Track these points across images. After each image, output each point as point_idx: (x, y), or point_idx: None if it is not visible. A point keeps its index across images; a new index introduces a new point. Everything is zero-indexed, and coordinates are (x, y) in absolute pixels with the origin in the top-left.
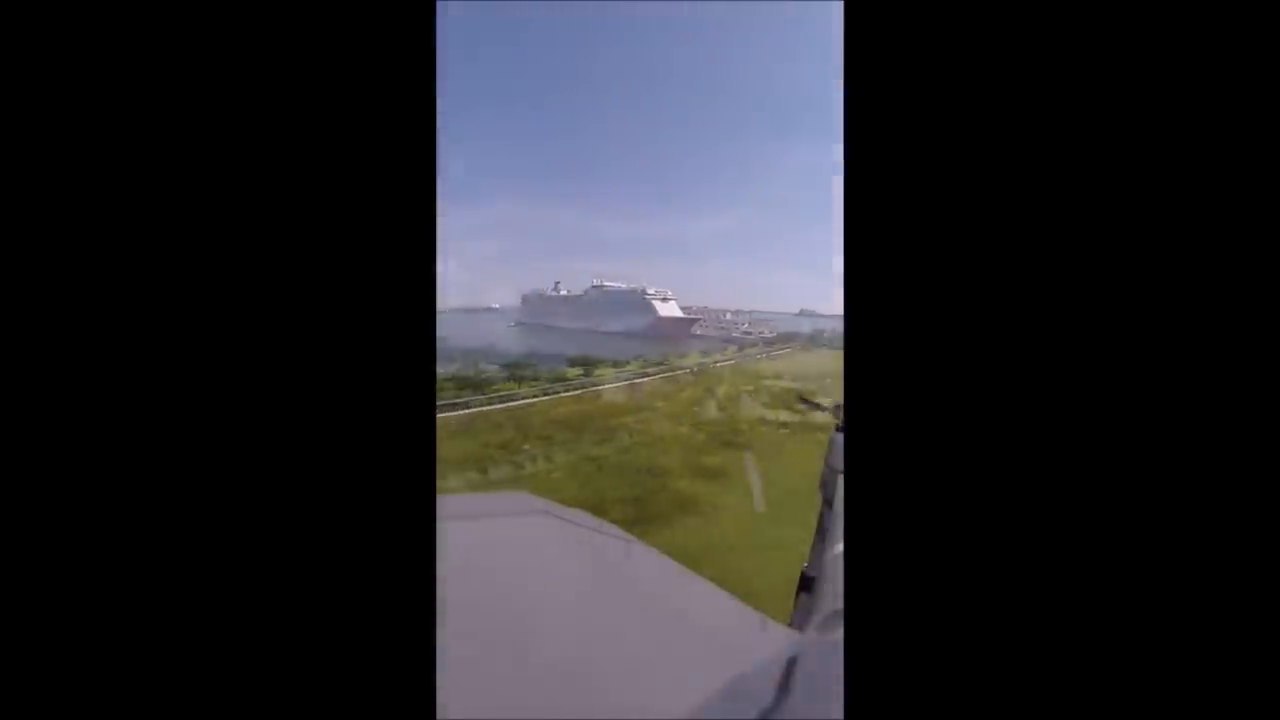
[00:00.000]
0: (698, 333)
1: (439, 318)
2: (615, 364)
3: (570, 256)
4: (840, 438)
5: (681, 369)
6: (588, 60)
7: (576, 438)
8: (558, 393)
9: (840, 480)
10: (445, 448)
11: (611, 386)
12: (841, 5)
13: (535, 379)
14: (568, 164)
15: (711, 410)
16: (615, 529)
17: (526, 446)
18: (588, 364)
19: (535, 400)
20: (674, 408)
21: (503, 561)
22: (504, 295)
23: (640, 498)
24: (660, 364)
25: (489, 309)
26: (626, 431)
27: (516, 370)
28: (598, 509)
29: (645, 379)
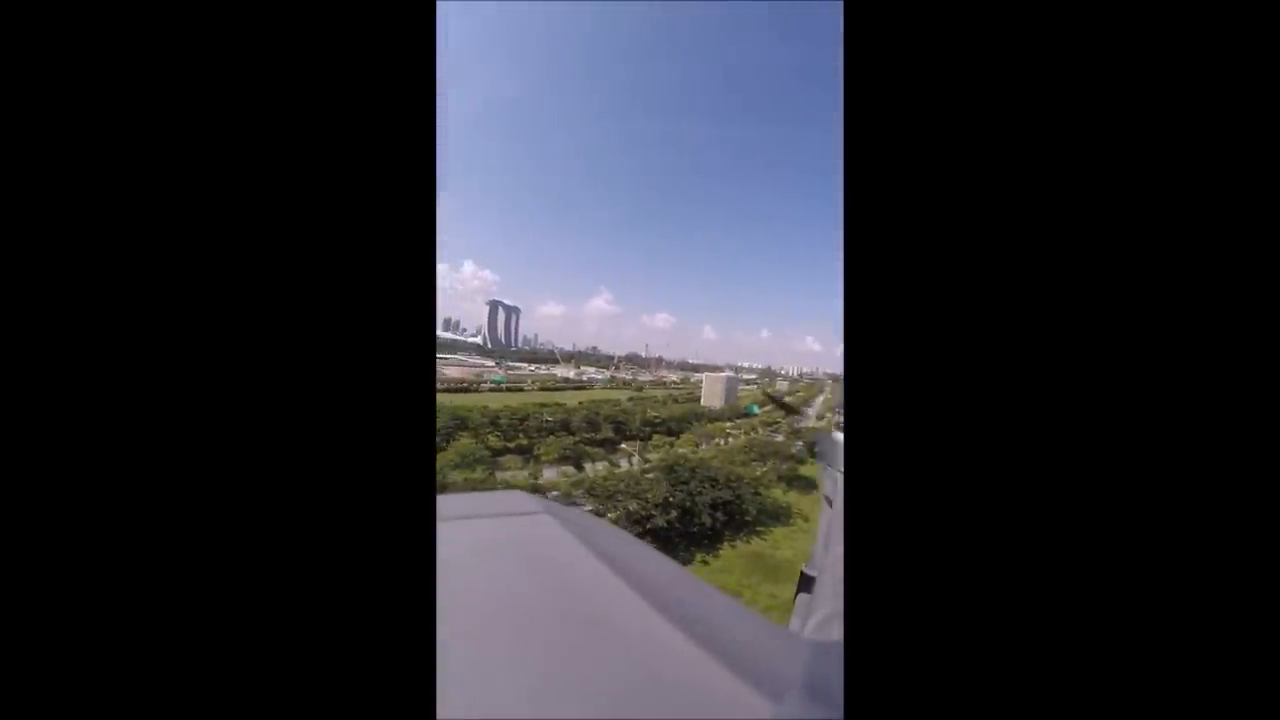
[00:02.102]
0: None
1: None
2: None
3: None
4: (832, 436)
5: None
6: None
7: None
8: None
9: (840, 480)
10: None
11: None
12: (841, 5)
13: None
14: None
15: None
16: (616, 529)
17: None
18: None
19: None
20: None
21: (503, 561)
22: None
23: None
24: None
25: None
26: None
27: None
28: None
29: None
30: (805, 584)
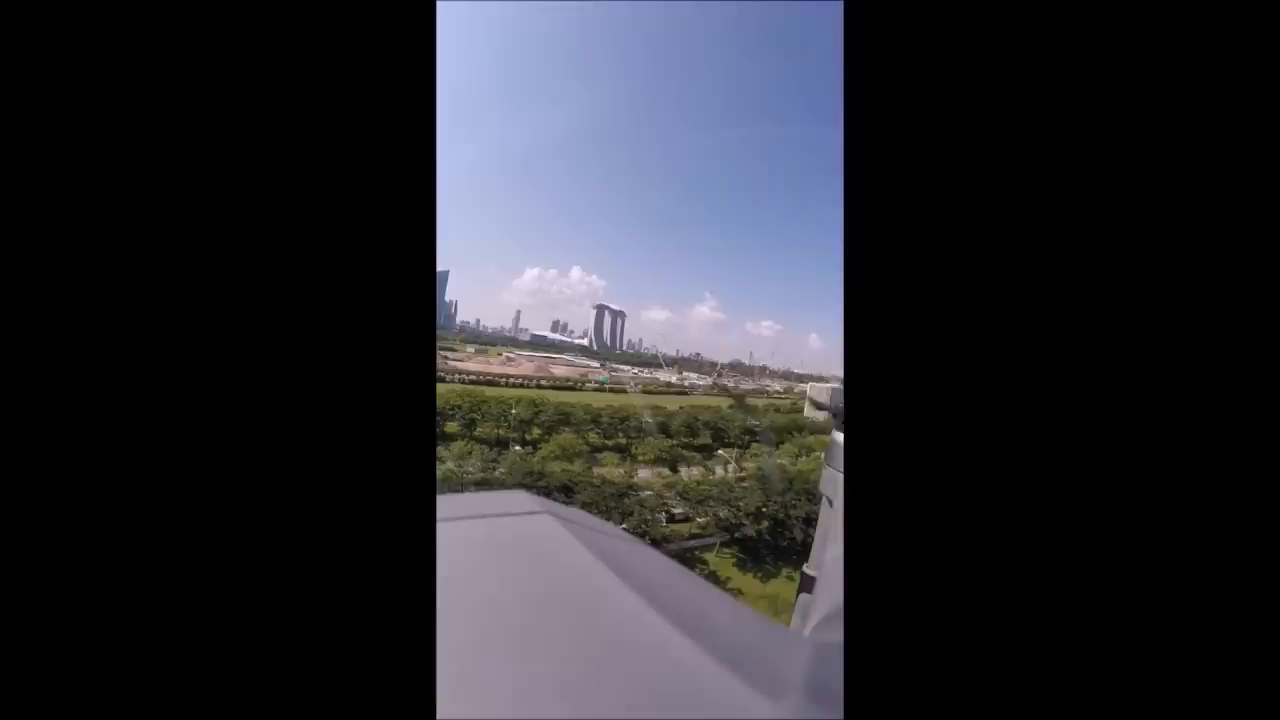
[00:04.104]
0: None
1: None
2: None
3: None
4: (832, 436)
5: None
6: None
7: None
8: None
9: (840, 480)
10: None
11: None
12: (841, 5)
13: None
14: None
15: None
16: (616, 529)
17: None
18: None
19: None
20: None
21: (503, 561)
22: None
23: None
24: None
25: None
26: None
27: None
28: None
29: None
30: (805, 584)
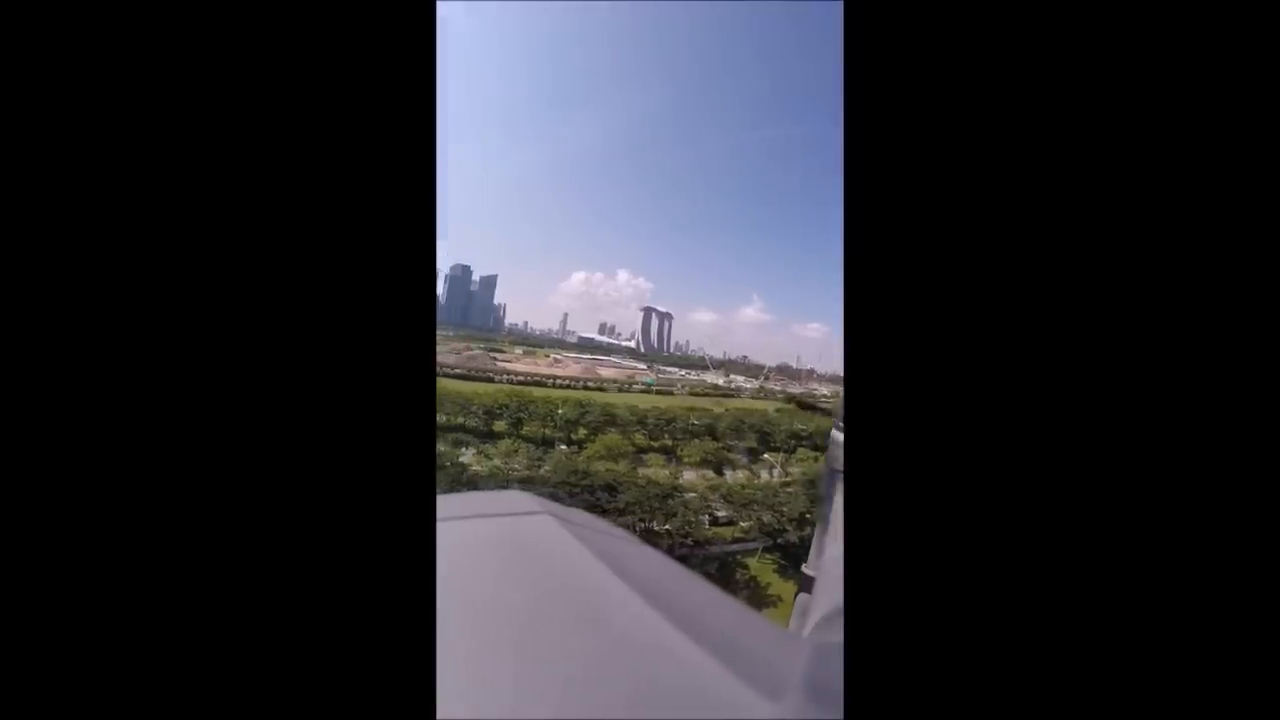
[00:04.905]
0: None
1: None
2: None
3: None
4: (832, 436)
5: None
6: None
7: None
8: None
9: (840, 480)
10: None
11: None
12: (841, 5)
13: None
14: None
15: None
16: (617, 530)
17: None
18: None
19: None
20: None
21: (503, 561)
22: None
23: None
24: None
25: None
26: None
27: None
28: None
29: None
30: (805, 584)
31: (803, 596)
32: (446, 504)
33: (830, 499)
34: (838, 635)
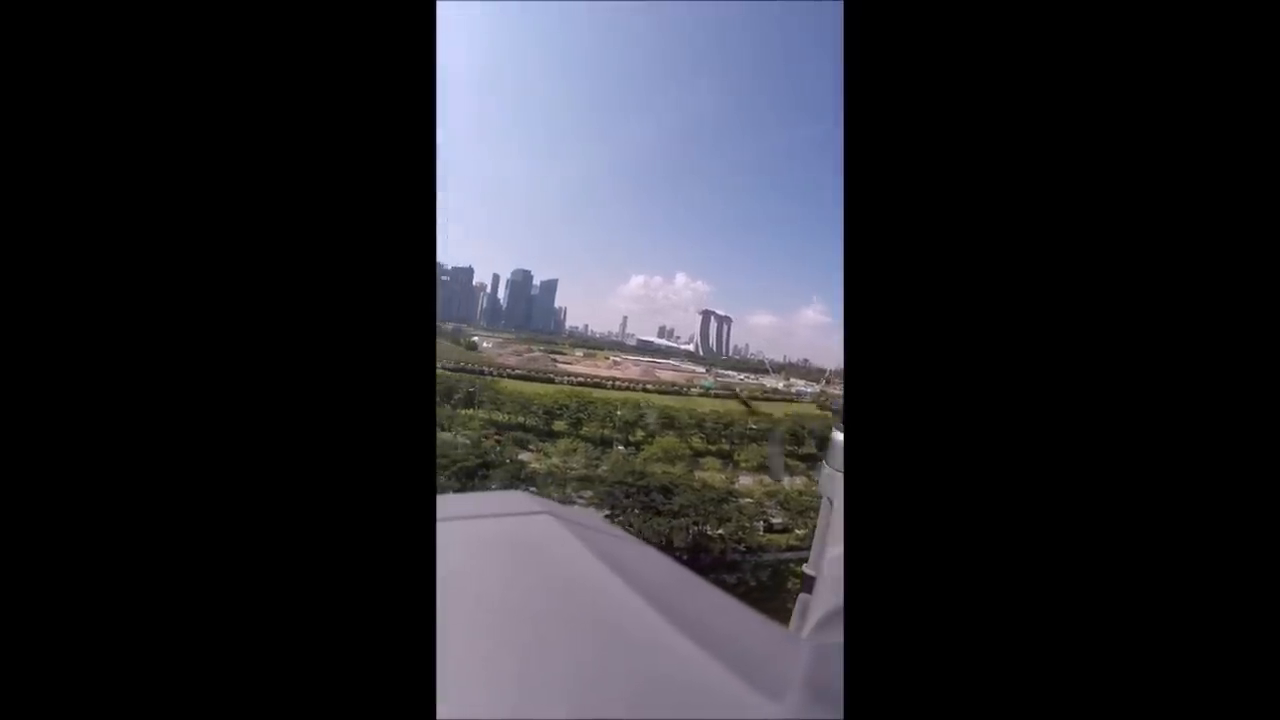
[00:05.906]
0: None
1: None
2: None
3: None
4: (832, 436)
5: None
6: None
7: None
8: None
9: (840, 480)
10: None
11: None
12: (841, 5)
13: None
14: None
15: None
16: (617, 530)
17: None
18: None
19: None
20: None
21: (503, 561)
22: None
23: None
24: None
25: None
26: None
27: None
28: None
29: None
30: (805, 584)
31: (803, 596)
32: (447, 504)
33: (830, 499)
34: (838, 635)
